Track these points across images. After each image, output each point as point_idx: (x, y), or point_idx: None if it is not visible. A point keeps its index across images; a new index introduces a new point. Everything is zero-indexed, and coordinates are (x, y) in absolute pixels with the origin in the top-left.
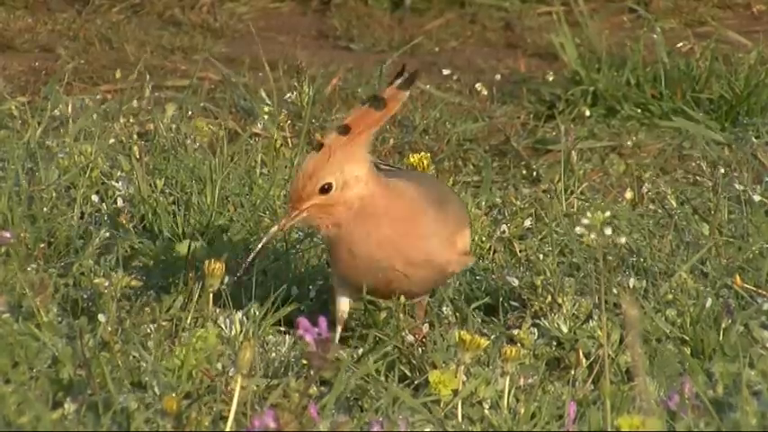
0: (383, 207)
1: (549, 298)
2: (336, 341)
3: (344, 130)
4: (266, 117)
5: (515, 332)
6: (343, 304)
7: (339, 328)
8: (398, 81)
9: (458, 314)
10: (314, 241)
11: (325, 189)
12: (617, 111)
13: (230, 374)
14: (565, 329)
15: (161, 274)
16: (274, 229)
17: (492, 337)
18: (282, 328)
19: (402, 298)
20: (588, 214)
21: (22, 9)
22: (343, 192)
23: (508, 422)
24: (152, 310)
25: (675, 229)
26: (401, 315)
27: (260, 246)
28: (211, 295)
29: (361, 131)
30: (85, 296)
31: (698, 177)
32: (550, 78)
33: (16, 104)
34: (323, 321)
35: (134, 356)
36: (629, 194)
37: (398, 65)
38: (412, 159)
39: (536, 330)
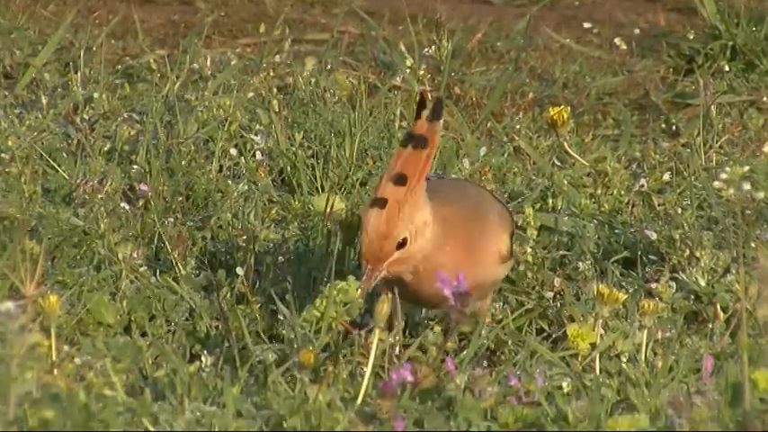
0: (443, 243)
1: (688, 252)
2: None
3: (401, 179)
4: (407, 71)
5: (653, 286)
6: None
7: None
8: (426, 113)
9: (596, 268)
10: None
11: (402, 244)
12: (755, 65)
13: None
14: (703, 283)
15: (299, 227)
16: (359, 293)
17: (630, 290)
18: None
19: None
20: (727, 169)
21: None
22: (417, 241)
23: (646, 375)
24: (290, 264)
25: None
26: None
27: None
28: (349, 248)
29: (418, 178)
30: (223, 249)
31: None
32: (689, 33)
33: (155, 58)
34: (462, 275)
35: (272, 309)
36: (767, 149)
37: (420, 95)
38: (551, 113)
39: (674, 284)
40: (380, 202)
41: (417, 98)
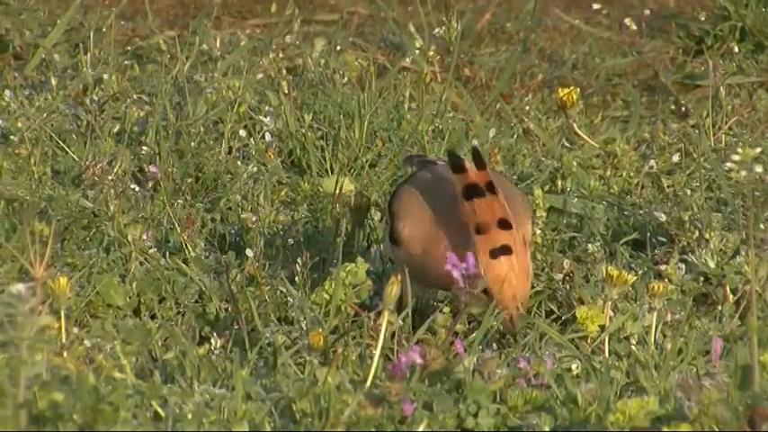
0: None
1: (697, 233)
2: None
3: (505, 224)
4: (417, 52)
5: (663, 268)
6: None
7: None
8: (468, 164)
9: (605, 249)
10: None
11: None
12: (765, 46)
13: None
14: (712, 265)
15: (308, 209)
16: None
17: (639, 272)
18: None
19: None
20: (739, 150)
21: None
22: None
23: (655, 358)
24: (299, 246)
25: None
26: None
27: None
28: (358, 230)
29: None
30: (233, 231)
31: None
32: (699, 14)
33: (164, 39)
34: (471, 257)
35: (281, 291)
36: None
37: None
38: (561, 94)
39: (683, 266)
40: (506, 250)
41: (448, 156)
